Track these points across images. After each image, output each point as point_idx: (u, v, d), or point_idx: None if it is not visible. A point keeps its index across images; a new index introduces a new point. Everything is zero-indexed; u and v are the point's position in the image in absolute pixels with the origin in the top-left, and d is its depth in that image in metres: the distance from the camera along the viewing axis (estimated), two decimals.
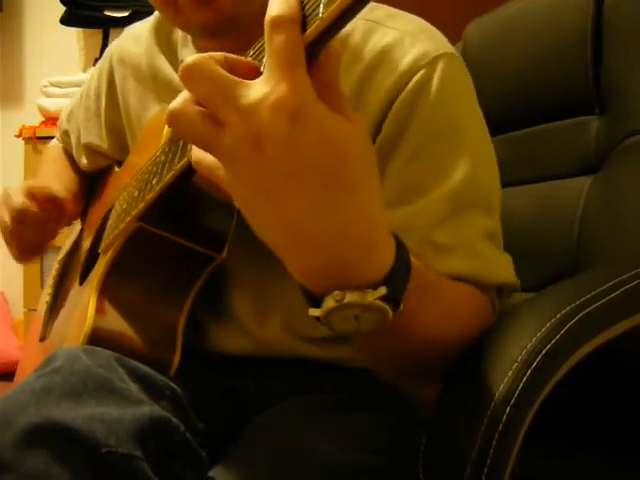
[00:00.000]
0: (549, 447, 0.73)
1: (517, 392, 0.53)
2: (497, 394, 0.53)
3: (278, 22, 0.43)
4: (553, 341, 0.55)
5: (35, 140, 2.48)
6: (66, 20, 2.68)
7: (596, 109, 0.92)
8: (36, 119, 2.60)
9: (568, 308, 0.57)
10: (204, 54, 0.45)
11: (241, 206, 0.47)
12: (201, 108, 0.45)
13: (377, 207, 0.47)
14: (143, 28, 0.93)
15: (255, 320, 0.80)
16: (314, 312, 0.49)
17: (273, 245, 0.48)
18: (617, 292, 0.59)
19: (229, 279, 0.81)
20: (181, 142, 0.67)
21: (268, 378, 0.80)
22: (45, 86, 2.57)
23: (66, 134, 1.09)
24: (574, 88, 0.94)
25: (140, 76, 0.90)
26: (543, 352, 0.54)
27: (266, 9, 0.75)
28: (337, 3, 0.42)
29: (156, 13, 0.91)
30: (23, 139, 2.52)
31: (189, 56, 0.89)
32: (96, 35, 2.76)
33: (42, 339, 1.00)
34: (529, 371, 0.54)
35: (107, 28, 2.70)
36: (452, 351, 0.61)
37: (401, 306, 0.50)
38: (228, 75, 0.44)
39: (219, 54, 0.46)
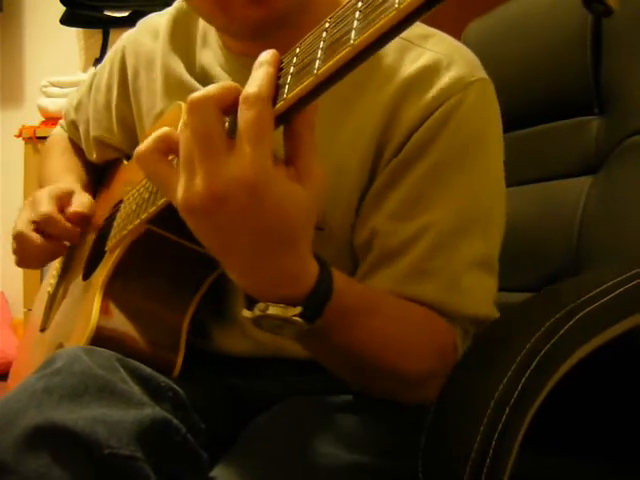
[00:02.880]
0: (548, 448, 0.73)
1: (516, 393, 0.53)
2: (496, 395, 0.53)
3: (250, 99, 0.49)
4: (552, 341, 0.55)
5: (35, 140, 2.48)
6: (66, 20, 2.67)
7: (596, 109, 0.92)
8: (36, 119, 2.60)
9: (567, 308, 0.57)
10: (215, 87, 0.51)
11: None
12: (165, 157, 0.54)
13: (308, 250, 0.56)
14: (160, 23, 0.91)
15: None
16: (245, 314, 0.57)
17: (222, 265, 0.57)
18: (616, 292, 0.59)
19: (231, 281, 0.81)
20: None
21: (268, 379, 0.80)
22: (45, 86, 2.57)
23: (73, 125, 1.07)
24: (574, 88, 0.94)
25: (153, 73, 0.89)
26: (542, 353, 0.54)
27: (307, 13, 0.77)
28: (306, 82, 0.47)
29: (172, 7, 0.90)
30: (23, 139, 2.52)
31: (209, 59, 0.88)
32: (96, 35, 2.76)
33: (42, 329, 1.00)
34: (528, 372, 0.54)
35: (107, 28, 2.70)
36: (398, 371, 0.66)
37: (317, 322, 0.57)
38: (219, 131, 0.50)
39: (230, 86, 0.52)
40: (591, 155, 0.92)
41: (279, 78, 0.51)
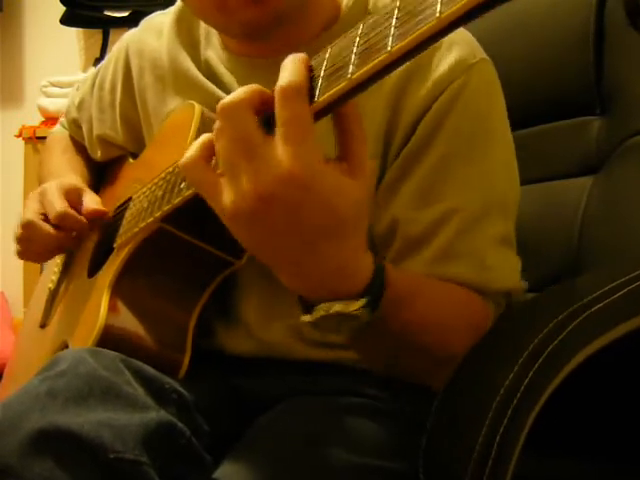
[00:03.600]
0: (550, 449, 0.73)
1: (519, 394, 0.53)
2: (499, 396, 0.53)
3: (289, 92, 0.48)
4: (555, 342, 0.55)
5: (35, 140, 2.48)
6: (66, 20, 2.67)
7: (597, 109, 0.92)
8: (36, 119, 2.60)
9: (570, 310, 0.57)
10: (243, 91, 0.50)
11: (236, 237, 0.53)
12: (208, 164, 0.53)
13: (363, 243, 0.55)
14: (164, 22, 0.91)
15: (261, 323, 0.80)
16: (305, 318, 0.56)
17: (273, 270, 0.56)
18: (619, 293, 0.59)
19: (237, 283, 0.81)
20: None
21: (272, 379, 0.80)
22: (45, 86, 2.56)
23: (75, 123, 1.07)
24: (575, 88, 0.94)
25: (159, 71, 0.89)
26: (545, 354, 0.54)
27: (307, 14, 0.77)
28: (339, 86, 0.47)
29: (175, 7, 0.90)
30: (23, 139, 2.52)
31: (213, 57, 0.88)
32: (96, 35, 2.75)
33: (43, 325, 0.99)
34: (531, 373, 0.54)
35: (107, 28, 2.69)
36: (437, 351, 0.66)
37: (376, 313, 0.56)
38: (256, 131, 0.49)
39: (256, 88, 0.51)
40: (592, 155, 0.92)
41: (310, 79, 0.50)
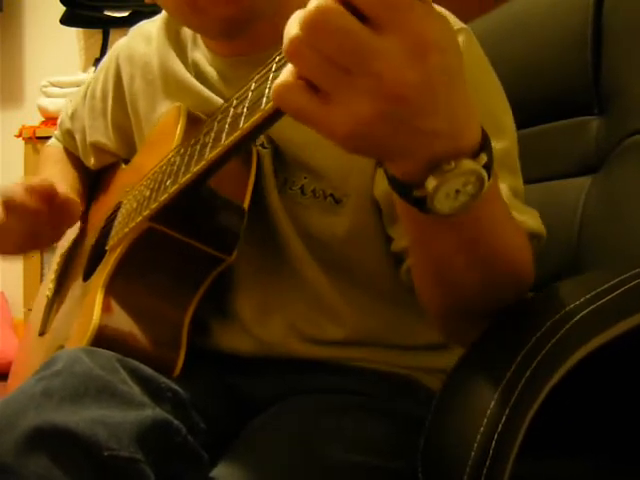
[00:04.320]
0: (548, 449, 0.73)
1: (517, 393, 0.53)
2: (496, 395, 0.53)
3: None
4: (552, 342, 0.55)
5: (35, 140, 2.48)
6: (66, 20, 2.67)
7: (596, 109, 0.92)
8: (36, 119, 2.60)
9: (567, 309, 0.57)
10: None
11: (346, 128, 0.45)
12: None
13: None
14: (152, 28, 0.92)
15: (257, 321, 0.80)
16: (420, 193, 0.50)
17: (383, 152, 0.49)
18: (617, 292, 0.59)
19: (233, 280, 0.81)
20: (198, 146, 0.67)
21: (269, 378, 0.80)
22: (45, 86, 2.57)
23: (69, 134, 1.08)
24: (574, 88, 0.94)
25: (150, 76, 0.90)
26: (542, 353, 0.54)
27: (283, 9, 0.75)
28: None
29: (163, 13, 0.91)
30: (23, 139, 2.53)
31: (200, 58, 0.88)
32: (96, 35, 2.76)
33: (41, 333, 1.00)
34: (528, 372, 0.54)
35: (107, 28, 2.70)
36: (507, 277, 0.61)
37: (490, 180, 0.51)
38: (359, 25, 0.43)
39: None
40: (591, 155, 0.92)
41: None
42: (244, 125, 0.58)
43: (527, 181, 1.00)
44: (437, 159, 0.49)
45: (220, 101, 0.82)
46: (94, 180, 1.08)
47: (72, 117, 1.07)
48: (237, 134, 0.59)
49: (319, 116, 0.45)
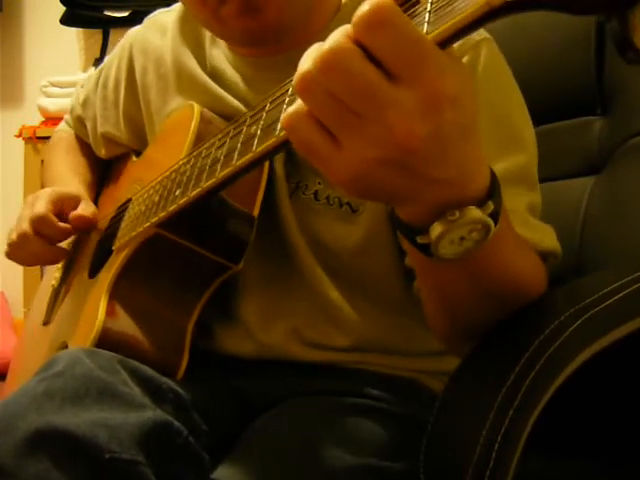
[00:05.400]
0: (551, 450, 0.73)
1: (519, 395, 0.53)
2: (500, 396, 0.53)
3: (382, 15, 0.41)
4: (556, 344, 0.55)
5: (35, 140, 2.48)
6: (66, 20, 2.67)
7: (599, 109, 0.92)
8: (36, 119, 2.60)
9: (571, 311, 0.57)
10: (337, 34, 0.43)
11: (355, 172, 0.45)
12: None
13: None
14: (168, 20, 0.90)
15: (261, 325, 0.80)
16: (425, 239, 0.50)
17: (387, 197, 0.49)
18: (621, 294, 0.58)
19: (239, 284, 0.81)
20: (209, 160, 0.67)
21: (272, 381, 0.80)
22: (45, 86, 2.56)
23: (79, 121, 1.07)
24: (577, 88, 0.94)
25: (162, 70, 0.88)
26: (546, 355, 0.54)
27: (311, 15, 0.74)
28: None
29: (179, 5, 0.89)
30: (23, 139, 2.52)
31: (219, 56, 0.88)
32: (96, 35, 2.75)
33: (46, 323, 1.00)
34: (532, 374, 0.54)
35: (107, 28, 2.69)
36: (517, 301, 0.61)
37: (497, 225, 0.51)
38: (376, 73, 0.42)
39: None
40: (594, 155, 0.92)
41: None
42: (257, 149, 0.57)
43: None
44: (443, 206, 0.49)
45: (235, 102, 0.81)
46: (105, 168, 1.07)
47: (84, 104, 1.05)
48: (249, 156, 0.58)
49: (325, 155, 0.45)
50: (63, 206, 0.91)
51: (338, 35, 0.42)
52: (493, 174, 0.51)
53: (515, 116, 0.75)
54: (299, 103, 0.45)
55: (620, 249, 0.85)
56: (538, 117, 0.99)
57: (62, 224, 0.90)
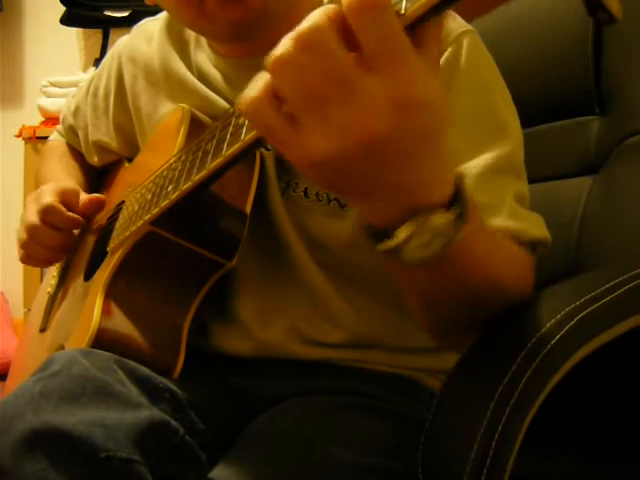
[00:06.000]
0: (548, 448, 0.73)
1: (516, 393, 0.53)
2: (496, 395, 0.53)
3: (373, 5, 0.40)
4: (553, 342, 0.55)
5: (35, 140, 2.48)
6: (66, 20, 2.67)
7: (596, 109, 0.92)
8: (36, 119, 2.60)
9: (568, 309, 0.57)
10: (324, 13, 0.42)
11: (317, 168, 0.45)
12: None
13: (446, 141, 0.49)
14: (154, 27, 0.92)
15: (258, 323, 0.80)
16: (389, 244, 0.50)
17: (353, 198, 0.49)
18: (617, 292, 0.58)
19: (235, 282, 0.81)
20: (200, 153, 0.67)
21: (270, 379, 0.80)
22: (45, 86, 2.56)
23: (71, 130, 1.08)
24: (575, 88, 0.94)
25: (152, 76, 0.89)
26: (543, 353, 0.54)
27: (293, 10, 0.74)
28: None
29: (165, 12, 0.90)
30: (23, 139, 2.52)
31: (204, 59, 0.88)
32: (96, 35, 2.75)
33: (42, 330, 1.00)
34: (529, 372, 0.54)
35: (107, 28, 2.69)
36: (495, 298, 0.61)
37: (463, 229, 0.50)
38: (349, 58, 0.41)
39: (337, 8, 0.42)
40: (591, 155, 0.92)
41: None
42: (246, 137, 0.57)
43: (528, 181, 1.00)
44: (402, 212, 0.48)
45: (223, 103, 0.81)
46: (97, 177, 1.08)
47: (75, 114, 1.07)
48: (238, 145, 0.59)
49: (285, 138, 0.44)
50: (66, 198, 0.91)
51: (318, 15, 0.42)
52: (457, 180, 0.51)
53: (499, 106, 0.76)
54: (259, 86, 0.44)
55: (617, 248, 0.85)
56: (536, 117, 1.00)
57: (70, 213, 0.90)
